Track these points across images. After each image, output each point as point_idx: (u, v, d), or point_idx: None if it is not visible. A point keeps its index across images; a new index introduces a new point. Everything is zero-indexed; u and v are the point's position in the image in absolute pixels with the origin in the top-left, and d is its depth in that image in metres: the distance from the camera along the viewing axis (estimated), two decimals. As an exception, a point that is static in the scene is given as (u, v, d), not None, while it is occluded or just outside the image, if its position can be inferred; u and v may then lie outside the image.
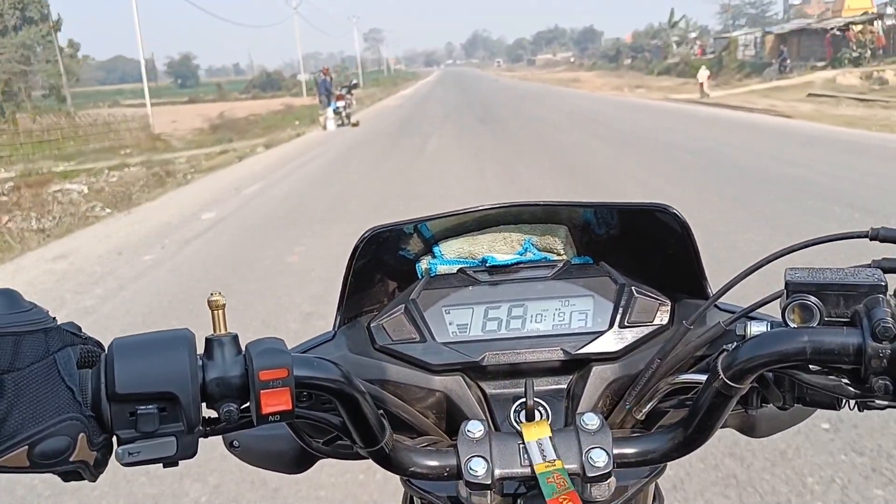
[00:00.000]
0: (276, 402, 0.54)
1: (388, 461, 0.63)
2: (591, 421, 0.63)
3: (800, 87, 24.10)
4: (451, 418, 0.72)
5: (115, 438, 0.53)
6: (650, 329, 0.73)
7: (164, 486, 2.62)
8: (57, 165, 15.79)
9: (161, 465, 0.54)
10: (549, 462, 0.61)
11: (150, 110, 24.98)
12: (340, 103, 21.27)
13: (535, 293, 0.76)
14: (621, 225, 0.83)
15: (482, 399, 0.73)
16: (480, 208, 0.79)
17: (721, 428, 0.64)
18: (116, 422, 0.52)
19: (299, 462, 0.80)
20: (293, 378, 0.55)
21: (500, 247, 0.82)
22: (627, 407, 0.70)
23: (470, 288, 0.77)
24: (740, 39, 41.26)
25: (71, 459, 0.51)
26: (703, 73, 27.21)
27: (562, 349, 0.73)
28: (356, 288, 0.80)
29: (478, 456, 0.62)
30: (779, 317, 0.61)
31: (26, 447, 0.50)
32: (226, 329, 0.56)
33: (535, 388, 0.68)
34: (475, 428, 0.64)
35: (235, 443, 0.79)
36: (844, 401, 0.59)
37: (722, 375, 0.58)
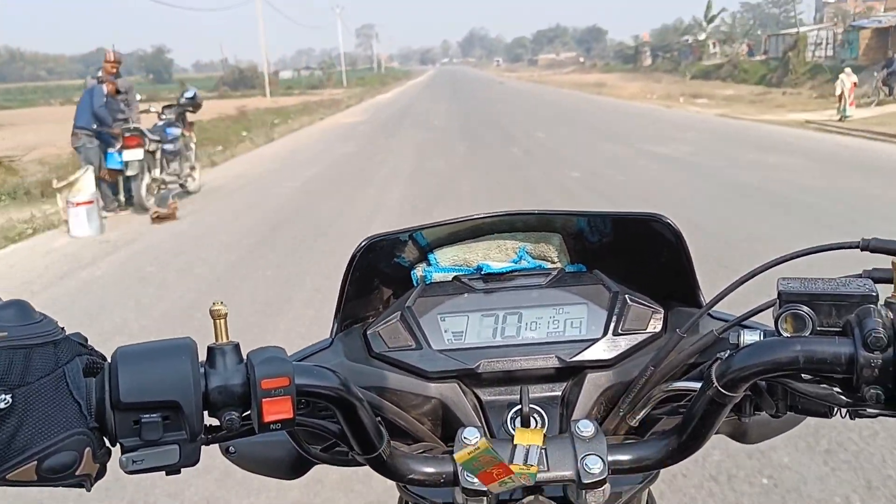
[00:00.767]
0: (277, 410, 0.55)
1: (385, 468, 0.64)
2: (586, 428, 0.64)
3: None
4: (447, 425, 0.73)
5: (116, 447, 0.54)
6: (644, 337, 0.74)
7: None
8: None
9: (164, 472, 0.55)
10: (526, 465, 0.62)
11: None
12: (133, 155, 7.88)
13: (529, 301, 0.77)
14: (615, 233, 0.83)
15: (478, 406, 0.73)
16: (475, 217, 0.80)
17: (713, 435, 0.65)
18: (120, 430, 0.53)
19: (295, 468, 0.80)
20: (294, 386, 0.55)
21: (495, 255, 0.83)
22: (621, 414, 0.71)
23: (465, 295, 0.78)
24: (809, 36, 33.03)
25: (77, 473, 0.52)
26: (848, 80, 15.79)
27: (556, 357, 0.73)
28: (353, 295, 0.80)
29: None
30: (771, 325, 0.62)
31: (35, 462, 0.50)
32: (227, 338, 0.57)
33: (530, 395, 0.69)
34: (471, 435, 0.64)
35: (232, 449, 0.79)
36: (836, 409, 0.60)
37: (716, 384, 0.59)
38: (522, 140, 14.24)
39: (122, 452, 0.53)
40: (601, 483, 0.62)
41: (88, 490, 0.55)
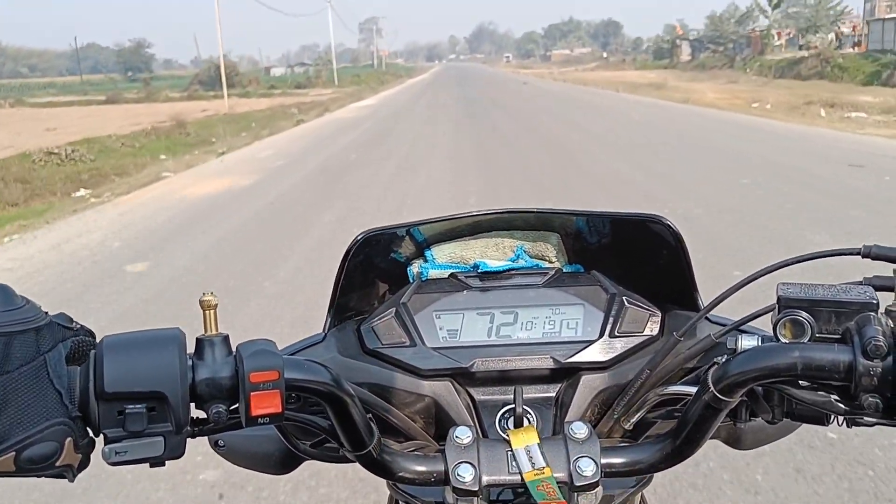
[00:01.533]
0: (266, 404, 0.54)
1: (375, 465, 0.63)
2: (580, 430, 0.63)
3: None
4: (440, 424, 0.72)
5: (100, 438, 0.53)
6: (640, 339, 0.74)
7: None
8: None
9: (148, 465, 0.54)
10: (538, 470, 0.61)
11: None
12: None
13: (526, 300, 0.76)
14: (614, 234, 0.82)
15: (471, 405, 0.73)
16: (473, 214, 0.79)
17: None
18: (104, 421, 0.52)
19: (284, 463, 0.80)
20: (284, 381, 0.54)
21: (493, 253, 0.82)
22: (616, 417, 0.71)
23: (461, 293, 0.77)
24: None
25: (57, 464, 0.51)
26: None
27: (551, 357, 0.73)
28: (347, 290, 0.79)
29: (465, 462, 0.62)
30: (769, 331, 0.61)
31: (13, 453, 0.49)
32: (217, 329, 0.56)
33: (523, 395, 0.68)
34: (463, 434, 0.64)
35: (220, 442, 0.78)
36: (833, 416, 0.59)
37: (712, 388, 0.58)
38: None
39: (106, 443, 0.52)
40: (594, 485, 0.61)
41: (71, 481, 0.54)
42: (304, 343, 0.77)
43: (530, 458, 0.62)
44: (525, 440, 0.63)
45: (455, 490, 0.62)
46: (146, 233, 6.37)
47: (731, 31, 46.51)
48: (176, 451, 0.54)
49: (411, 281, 0.82)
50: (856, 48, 32.47)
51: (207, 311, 0.56)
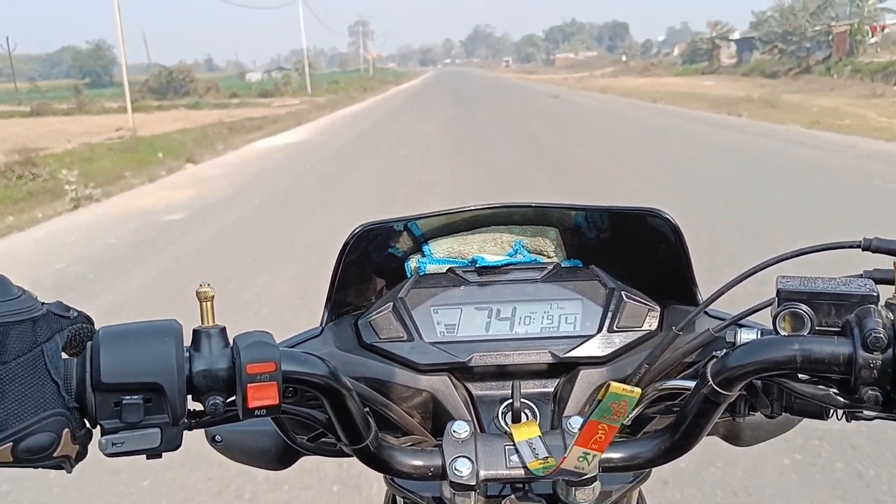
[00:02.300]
0: (262, 396, 0.54)
1: (372, 459, 0.63)
2: (578, 425, 0.63)
3: None
4: (437, 418, 0.72)
5: (97, 429, 0.53)
6: (639, 334, 0.74)
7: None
8: None
9: (145, 456, 0.54)
10: (542, 460, 0.61)
11: None
12: None
13: (524, 295, 0.76)
14: (612, 229, 0.82)
15: (468, 400, 0.72)
16: (471, 208, 0.79)
17: (706, 436, 0.64)
18: (101, 412, 0.52)
19: (282, 458, 0.80)
20: (281, 372, 0.54)
21: (491, 247, 0.82)
22: None
23: (459, 288, 0.77)
24: None
25: (55, 455, 0.51)
26: None
27: (549, 352, 0.72)
28: (344, 284, 0.79)
29: (463, 456, 0.62)
30: (769, 325, 0.61)
31: (10, 444, 0.50)
32: (214, 321, 0.56)
33: (521, 390, 0.69)
34: (461, 428, 0.64)
35: (218, 437, 0.79)
36: (832, 410, 0.59)
37: (711, 382, 0.58)
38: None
39: (102, 434, 0.52)
40: (591, 480, 0.62)
41: (69, 472, 0.54)
42: (301, 337, 0.77)
43: (533, 450, 0.62)
44: (527, 434, 0.63)
45: (452, 484, 0.62)
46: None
47: (806, 27, 36.76)
48: (172, 443, 0.54)
49: (409, 276, 0.81)
50: None
51: (204, 303, 0.56)
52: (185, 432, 0.55)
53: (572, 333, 0.74)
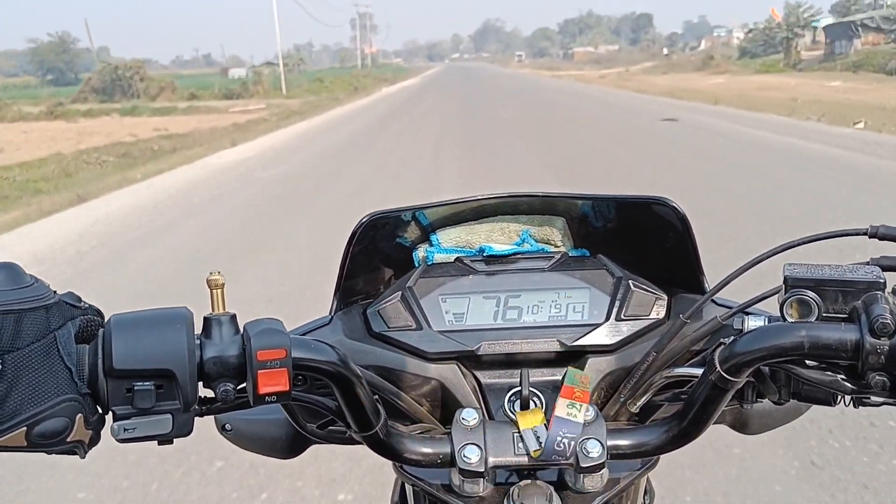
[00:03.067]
0: (273, 382, 0.54)
1: (381, 446, 0.64)
2: (586, 412, 0.64)
3: None
4: (446, 407, 0.73)
5: (110, 415, 0.54)
6: (646, 323, 0.74)
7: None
8: None
9: (156, 442, 0.55)
10: (544, 445, 0.62)
11: None
12: None
13: (531, 284, 0.76)
14: (619, 218, 0.82)
15: (477, 388, 0.73)
16: (479, 198, 0.79)
17: (714, 424, 0.64)
18: (113, 398, 0.52)
19: (292, 447, 0.81)
20: (291, 359, 0.55)
21: (498, 237, 0.82)
22: (622, 400, 0.71)
23: (467, 277, 0.77)
24: None
25: (68, 440, 0.52)
26: None
27: (557, 340, 0.73)
28: (353, 273, 0.80)
29: (472, 444, 0.63)
30: (776, 313, 0.61)
31: (24, 428, 0.50)
32: (224, 308, 0.57)
33: (530, 378, 0.69)
34: (469, 416, 0.65)
35: (228, 426, 0.79)
36: (840, 396, 0.60)
37: (719, 368, 0.58)
38: None
39: (114, 420, 0.53)
40: (599, 467, 0.62)
41: (82, 457, 0.54)
42: (310, 325, 0.77)
43: (538, 438, 0.62)
44: (532, 422, 0.64)
45: (461, 471, 0.62)
46: None
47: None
48: (184, 429, 0.54)
49: (417, 265, 0.82)
50: None
51: (215, 290, 0.57)
52: (196, 419, 0.56)
53: (580, 322, 0.74)
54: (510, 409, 0.69)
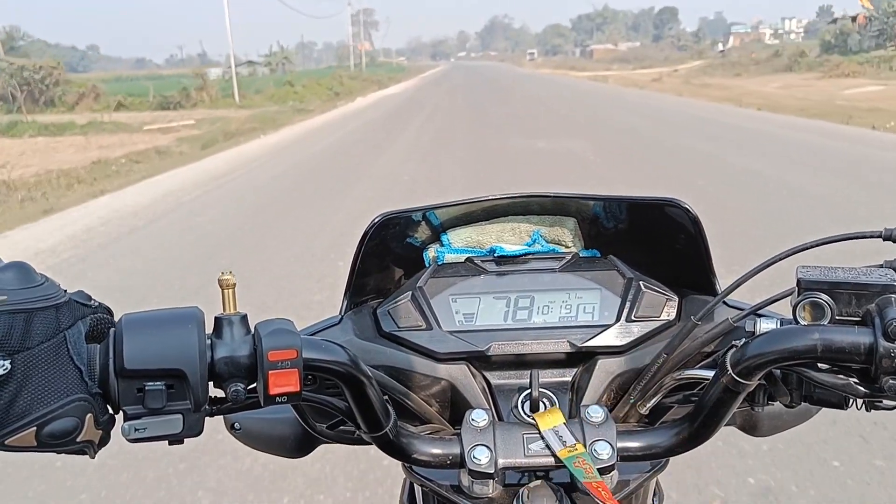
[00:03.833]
0: (284, 382, 0.54)
1: (391, 447, 0.64)
2: (596, 413, 0.64)
3: None
4: (455, 407, 0.72)
5: (120, 415, 0.54)
6: (657, 324, 0.73)
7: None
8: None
9: (167, 442, 0.55)
10: (570, 447, 0.61)
11: None
12: None
13: (542, 285, 0.76)
14: (630, 219, 0.82)
15: (486, 389, 0.72)
16: (490, 198, 0.79)
17: (724, 426, 0.64)
18: (124, 398, 0.52)
19: (300, 446, 0.80)
20: (302, 359, 0.55)
21: (509, 237, 0.82)
22: (632, 401, 0.70)
23: (477, 277, 0.77)
24: None
25: (78, 440, 0.52)
26: None
27: (568, 341, 0.72)
28: (364, 273, 0.79)
29: (481, 445, 0.62)
30: (788, 315, 0.61)
31: (34, 428, 0.50)
32: (235, 308, 0.57)
33: (540, 379, 0.69)
34: (479, 417, 0.64)
35: (237, 425, 0.79)
36: (852, 400, 0.59)
37: (730, 371, 0.58)
38: None
39: (125, 420, 0.53)
40: (609, 469, 0.62)
41: (92, 457, 0.54)
42: (321, 325, 0.77)
43: (560, 438, 0.62)
44: (552, 422, 0.63)
45: (471, 472, 0.62)
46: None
47: None
48: (194, 429, 0.54)
49: (427, 265, 0.82)
50: None
51: (226, 291, 0.57)
52: (207, 418, 0.55)
53: (590, 323, 0.73)
54: (520, 411, 0.69)
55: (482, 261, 0.79)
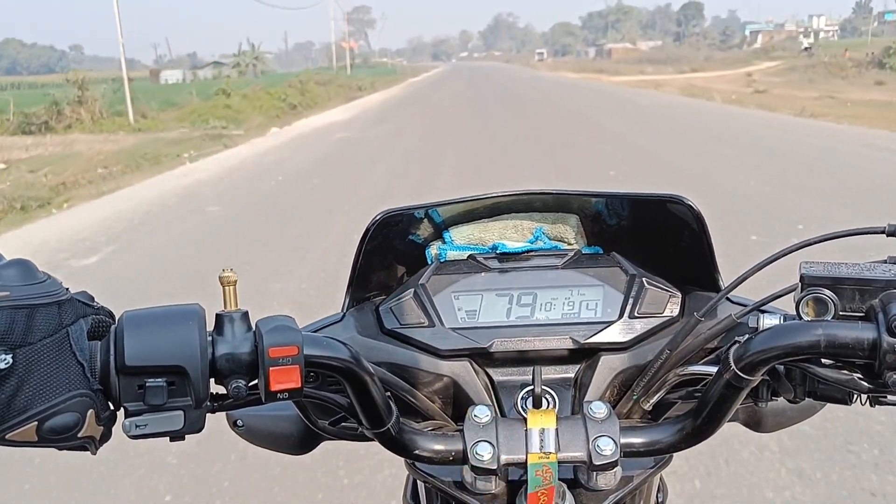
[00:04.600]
0: (285, 379, 0.54)
1: (393, 443, 0.64)
2: (599, 409, 0.63)
3: None
4: (458, 404, 0.72)
5: (121, 412, 0.54)
6: (660, 320, 0.73)
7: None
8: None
9: (168, 438, 0.55)
10: (544, 453, 0.61)
11: None
12: None
13: (545, 282, 0.76)
14: (633, 215, 0.82)
15: (489, 386, 0.73)
16: (492, 195, 0.79)
17: (727, 422, 0.64)
18: (125, 394, 0.53)
19: (303, 443, 0.80)
20: (303, 356, 0.55)
21: (511, 234, 0.82)
22: (635, 397, 0.70)
23: (480, 274, 0.77)
24: None
25: (79, 435, 0.52)
26: None
27: (570, 338, 0.72)
28: (366, 270, 0.79)
29: (484, 441, 0.62)
30: (791, 311, 0.61)
31: (35, 423, 0.50)
32: (236, 305, 0.57)
33: (542, 376, 0.68)
34: (482, 413, 0.64)
35: (239, 422, 0.79)
36: (856, 395, 0.59)
37: (733, 366, 0.58)
38: None
39: (126, 417, 0.53)
40: (612, 465, 0.62)
41: (94, 453, 0.54)
42: (323, 322, 0.77)
43: (541, 441, 0.61)
44: (542, 422, 0.62)
45: (473, 468, 0.62)
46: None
47: None
48: (195, 426, 0.54)
49: (429, 262, 0.81)
50: None
51: (227, 287, 0.57)
52: (208, 415, 0.56)
53: (593, 319, 0.73)
54: (522, 407, 0.69)
55: (485, 258, 0.79)
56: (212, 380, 0.54)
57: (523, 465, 0.62)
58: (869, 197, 6.63)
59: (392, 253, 0.82)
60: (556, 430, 0.62)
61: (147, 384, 0.52)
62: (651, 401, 0.70)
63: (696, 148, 10.40)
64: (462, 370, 0.72)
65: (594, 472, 0.62)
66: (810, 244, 0.64)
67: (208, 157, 11.68)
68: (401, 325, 0.74)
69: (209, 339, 0.54)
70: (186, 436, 0.55)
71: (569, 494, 0.64)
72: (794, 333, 0.56)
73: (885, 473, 2.37)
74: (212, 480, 2.48)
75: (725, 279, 0.74)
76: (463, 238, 0.82)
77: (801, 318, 0.58)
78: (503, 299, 0.75)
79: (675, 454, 0.67)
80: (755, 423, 0.81)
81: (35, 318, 0.50)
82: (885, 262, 0.60)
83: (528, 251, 0.79)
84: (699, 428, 0.62)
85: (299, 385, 0.54)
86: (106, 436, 0.54)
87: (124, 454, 2.60)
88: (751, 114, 15.93)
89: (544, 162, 9.48)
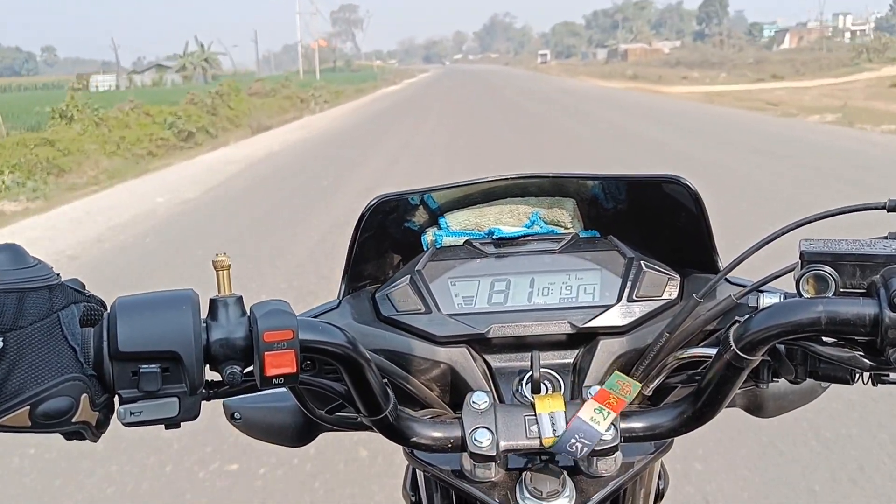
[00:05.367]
0: (280, 363, 0.54)
1: (391, 431, 0.63)
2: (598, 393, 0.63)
3: None
4: (456, 391, 0.72)
5: (116, 398, 0.53)
6: (659, 303, 0.73)
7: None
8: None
9: (163, 426, 0.55)
10: (557, 437, 0.60)
11: None
12: None
13: (542, 266, 0.76)
14: (630, 198, 0.81)
15: (487, 372, 0.72)
16: (487, 180, 0.79)
17: (728, 407, 0.63)
18: (118, 381, 0.52)
19: (301, 435, 0.80)
20: (298, 340, 0.54)
21: (507, 219, 0.81)
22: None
23: (476, 260, 0.77)
24: None
25: (73, 420, 0.51)
26: None
27: (568, 322, 0.72)
28: (361, 257, 0.79)
29: (483, 427, 0.61)
30: (791, 290, 0.60)
31: (28, 407, 0.50)
32: (230, 290, 0.56)
33: (541, 361, 0.68)
34: (480, 399, 0.63)
35: (237, 415, 0.79)
36: (858, 374, 0.59)
37: (733, 346, 0.57)
38: None
39: (120, 404, 0.53)
40: (612, 451, 0.61)
41: (93, 440, 0.54)
42: (318, 309, 0.76)
43: (553, 425, 0.61)
44: (550, 406, 0.62)
45: (472, 455, 0.61)
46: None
47: None
48: (191, 413, 0.54)
49: (425, 249, 0.81)
50: None
51: (221, 272, 0.56)
52: (204, 402, 0.55)
53: (591, 303, 0.73)
54: (521, 393, 0.68)
55: (481, 243, 0.78)
56: (207, 366, 0.54)
57: (523, 452, 0.62)
58: None
59: (388, 240, 0.81)
60: (565, 413, 0.61)
61: (141, 370, 0.51)
62: (651, 385, 0.68)
63: None
64: (460, 357, 0.71)
65: (594, 458, 0.62)
66: (810, 222, 0.63)
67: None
68: (397, 311, 0.73)
69: (203, 324, 0.53)
70: (182, 423, 0.54)
71: (569, 481, 0.63)
72: (794, 311, 0.55)
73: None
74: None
75: (724, 260, 0.73)
76: (459, 224, 0.81)
77: (801, 295, 0.57)
78: (500, 284, 0.74)
79: (675, 441, 0.66)
80: (756, 408, 0.80)
81: (25, 302, 0.49)
82: (885, 237, 0.59)
83: (524, 236, 0.79)
84: (699, 411, 0.61)
85: (295, 370, 0.54)
86: (102, 422, 0.53)
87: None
88: None
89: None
